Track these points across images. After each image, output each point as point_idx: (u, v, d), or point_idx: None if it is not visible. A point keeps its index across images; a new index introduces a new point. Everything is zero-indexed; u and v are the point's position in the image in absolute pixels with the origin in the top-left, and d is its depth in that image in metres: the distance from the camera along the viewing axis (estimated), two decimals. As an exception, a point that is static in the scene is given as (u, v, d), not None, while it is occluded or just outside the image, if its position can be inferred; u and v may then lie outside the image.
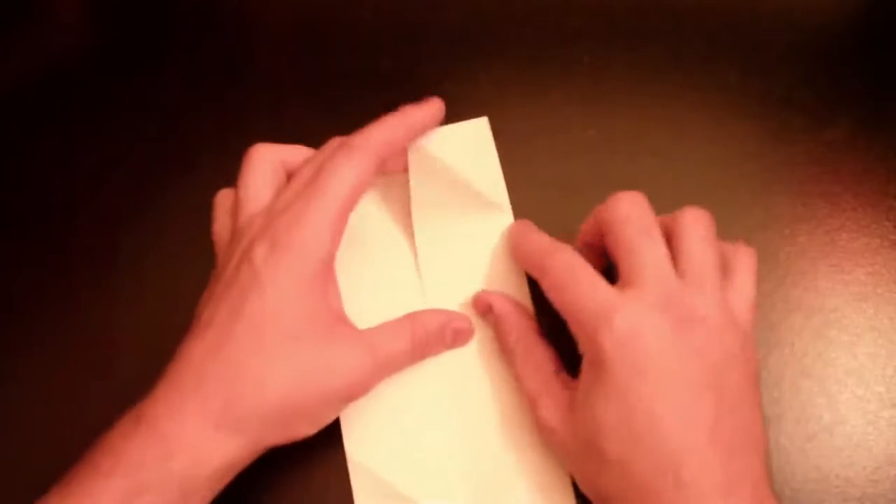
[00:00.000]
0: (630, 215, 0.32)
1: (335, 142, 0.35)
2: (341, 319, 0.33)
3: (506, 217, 0.38)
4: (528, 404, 0.34)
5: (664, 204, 0.33)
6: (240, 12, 0.46)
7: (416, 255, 0.38)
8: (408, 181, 0.38)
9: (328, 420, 0.33)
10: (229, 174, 0.41)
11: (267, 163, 0.35)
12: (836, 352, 0.37)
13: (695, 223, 0.32)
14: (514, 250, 0.37)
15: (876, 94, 0.42)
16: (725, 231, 0.34)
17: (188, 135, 0.42)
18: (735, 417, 0.29)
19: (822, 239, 0.39)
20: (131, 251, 0.40)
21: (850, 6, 0.45)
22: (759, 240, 0.38)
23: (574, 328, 0.31)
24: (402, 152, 0.37)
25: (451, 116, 0.42)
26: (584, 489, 0.32)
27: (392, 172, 0.38)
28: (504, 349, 0.36)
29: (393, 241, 0.38)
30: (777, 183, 0.40)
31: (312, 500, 0.34)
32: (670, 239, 0.32)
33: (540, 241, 0.35)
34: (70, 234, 0.40)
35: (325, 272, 0.32)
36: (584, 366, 0.31)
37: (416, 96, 0.42)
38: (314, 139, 0.41)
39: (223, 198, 0.36)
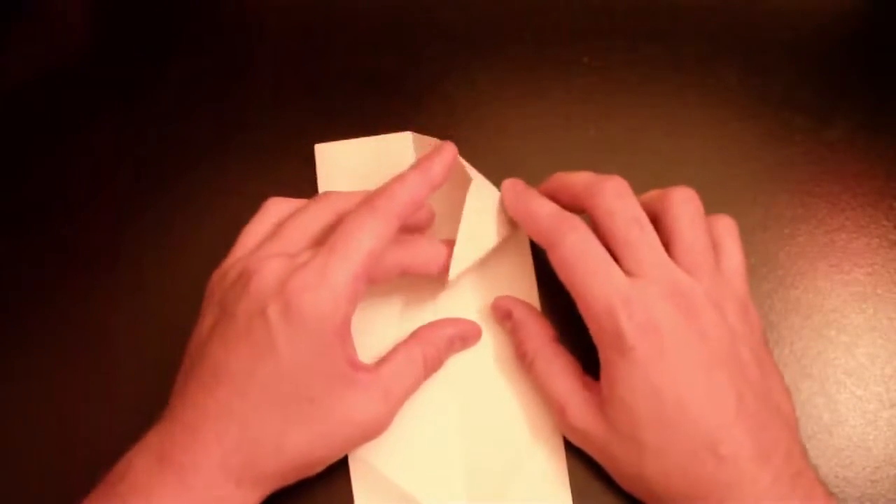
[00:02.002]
0: (616, 209, 0.32)
1: (359, 195, 0.34)
2: (356, 366, 0.32)
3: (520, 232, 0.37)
4: (555, 411, 0.34)
5: (664, 204, 0.33)
6: (240, 13, 0.46)
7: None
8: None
9: (340, 457, 0.33)
10: (229, 174, 0.41)
11: (270, 222, 0.35)
12: (835, 352, 0.37)
13: (684, 204, 0.33)
14: (515, 212, 0.35)
15: (876, 94, 0.42)
16: (725, 231, 0.34)
17: (188, 135, 0.42)
18: (755, 390, 0.31)
19: (822, 239, 0.39)
20: (131, 251, 0.40)
21: (850, 6, 0.45)
22: (759, 240, 0.38)
23: (586, 313, 0.32)
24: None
25: (450, 116, 0.42)
26: (625, 485, 0.33)
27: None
28: (520, 355, 0.35)
29: None
30: (777, 183, 0.40)
31: (313, 498, 0.34)
32: (660, 218, 0.33)
33: (546, 209, 0.34)
34: (70, 233, 0.40)
35: (343, 330, 0.31)
36: (603, 359, 0.32)
37: (415, 96, 0.43)
38: (314, 139, 0.41)
39: (270, 205, 0.36)
